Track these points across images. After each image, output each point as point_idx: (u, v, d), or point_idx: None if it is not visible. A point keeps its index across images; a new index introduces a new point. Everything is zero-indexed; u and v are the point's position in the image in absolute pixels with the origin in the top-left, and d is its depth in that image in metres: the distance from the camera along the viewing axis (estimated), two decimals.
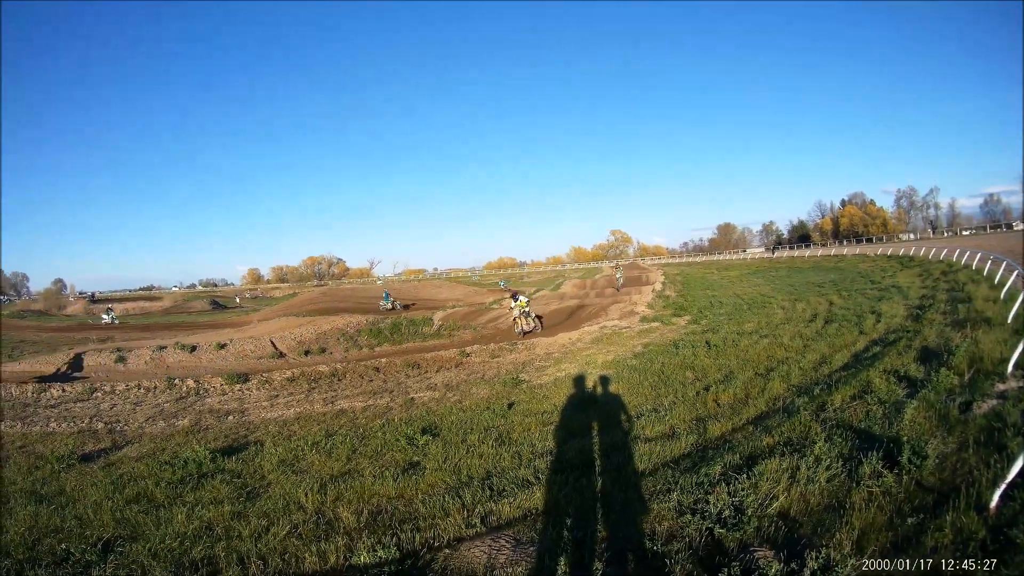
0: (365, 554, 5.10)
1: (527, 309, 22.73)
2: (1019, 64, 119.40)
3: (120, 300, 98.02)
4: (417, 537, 5.38)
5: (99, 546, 6.03)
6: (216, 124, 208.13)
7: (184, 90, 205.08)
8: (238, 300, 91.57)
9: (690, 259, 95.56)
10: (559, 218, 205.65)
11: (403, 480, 7.34)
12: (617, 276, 38.97)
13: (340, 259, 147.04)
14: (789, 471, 5.50)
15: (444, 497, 6.43)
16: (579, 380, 12.86)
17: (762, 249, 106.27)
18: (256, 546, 5.62)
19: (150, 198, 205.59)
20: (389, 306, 41.61)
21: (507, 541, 4.88)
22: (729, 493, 5.04)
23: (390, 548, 5.11)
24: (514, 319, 22.60)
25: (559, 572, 4.28)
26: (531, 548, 4.76)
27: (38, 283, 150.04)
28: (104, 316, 47.48)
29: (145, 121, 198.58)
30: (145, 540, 6.05)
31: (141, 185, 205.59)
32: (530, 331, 22.00)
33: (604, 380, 12.34)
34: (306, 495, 7.04)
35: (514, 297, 23.93)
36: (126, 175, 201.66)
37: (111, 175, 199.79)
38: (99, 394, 15.46)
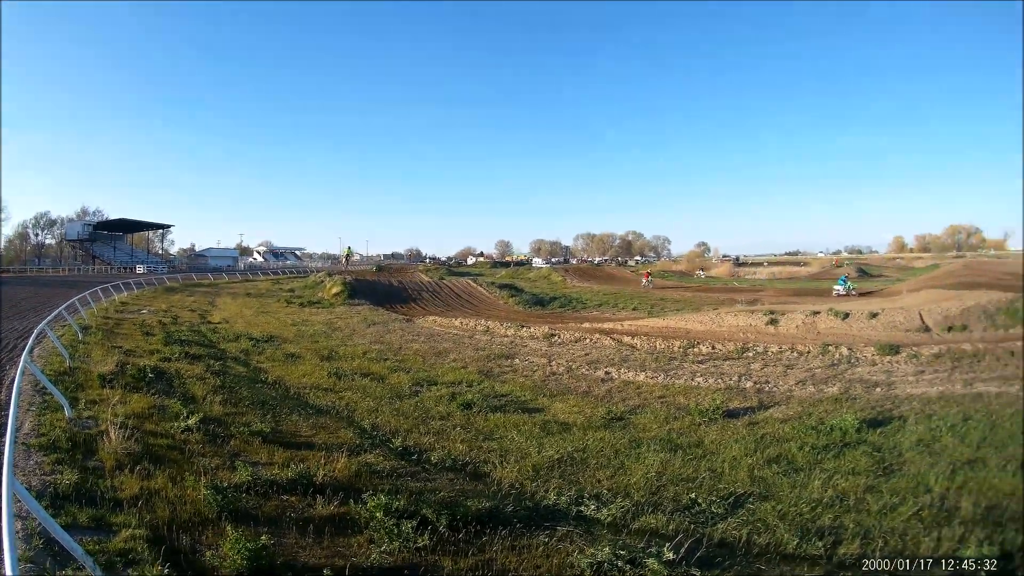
0: (973, 547, 5.90)
1: None
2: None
3: (766, 264, 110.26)
4: (1019, 539, 5.95)
5: (729, 500, 7.35)
6: None
7: None
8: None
9: None
10: None
11: (1019, 476, 7.64)
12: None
13: (978, 229, 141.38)
14: None
15: None
16: None
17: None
18: (881, 522, 6.63)
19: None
20: (843, 291, 42.54)
21: None
22: None
23: (994, 546, 5.85)
24: None
25: None
26: None
27: (680, 246, 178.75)
28: (837, 286, 46.71)
29: None
30: (777, 501, 7.33)
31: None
32: None
33: None
34: (936, 479, 7.80)
35: None
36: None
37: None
38: (750, 354, 18.21)
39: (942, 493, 7.42)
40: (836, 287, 45.97)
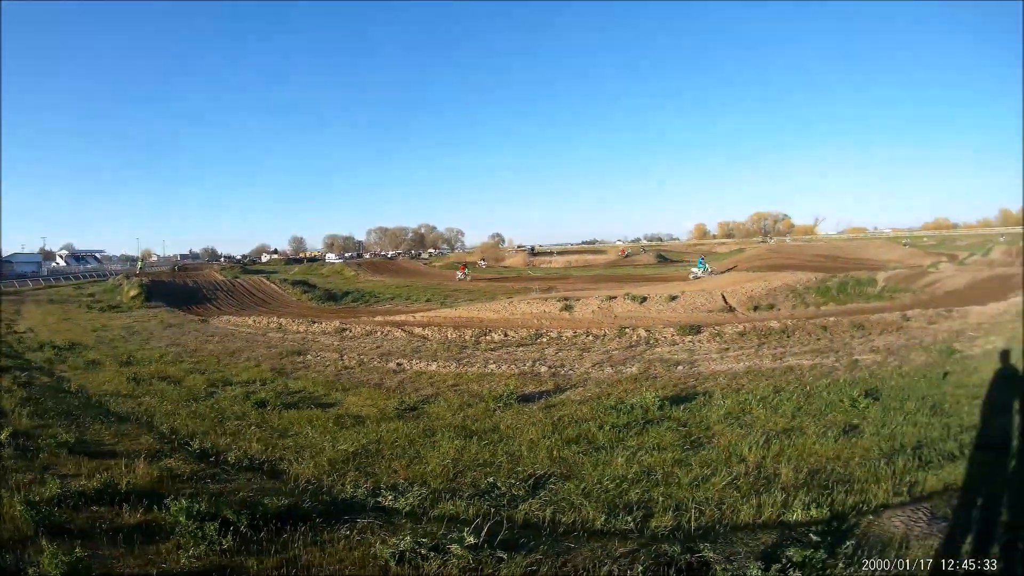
0: (800, 511, 5.67)
1: None
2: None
3: (562, 253, 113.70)
4: (849, 500, 6.02)
5: (529, 482, 7.20)
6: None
7: None
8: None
9: None
10: None
11: (842, 441, 7.97)
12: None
13: (786, 215, 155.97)
14: None
15: (879, 463, 7.07)
16: None
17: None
18: (694, 494, 6.33)
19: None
20: (701, 273, 44.53)
21: (924, 513, 5.45)
22: None
23: (823, 508, 5.71)
24: None
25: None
26: (944, 524, 5.29)
27: (475, 238, 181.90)
28: (695, 269, 48.05)
29: None
30: (579, 480, 7.11)
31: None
32: None
33: None
34: (749, 448, 7.69)
35: None
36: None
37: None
38: (544, 339, 18.34)
39: (758, 462, 7.31)
40: (693, 269, 47.76)
